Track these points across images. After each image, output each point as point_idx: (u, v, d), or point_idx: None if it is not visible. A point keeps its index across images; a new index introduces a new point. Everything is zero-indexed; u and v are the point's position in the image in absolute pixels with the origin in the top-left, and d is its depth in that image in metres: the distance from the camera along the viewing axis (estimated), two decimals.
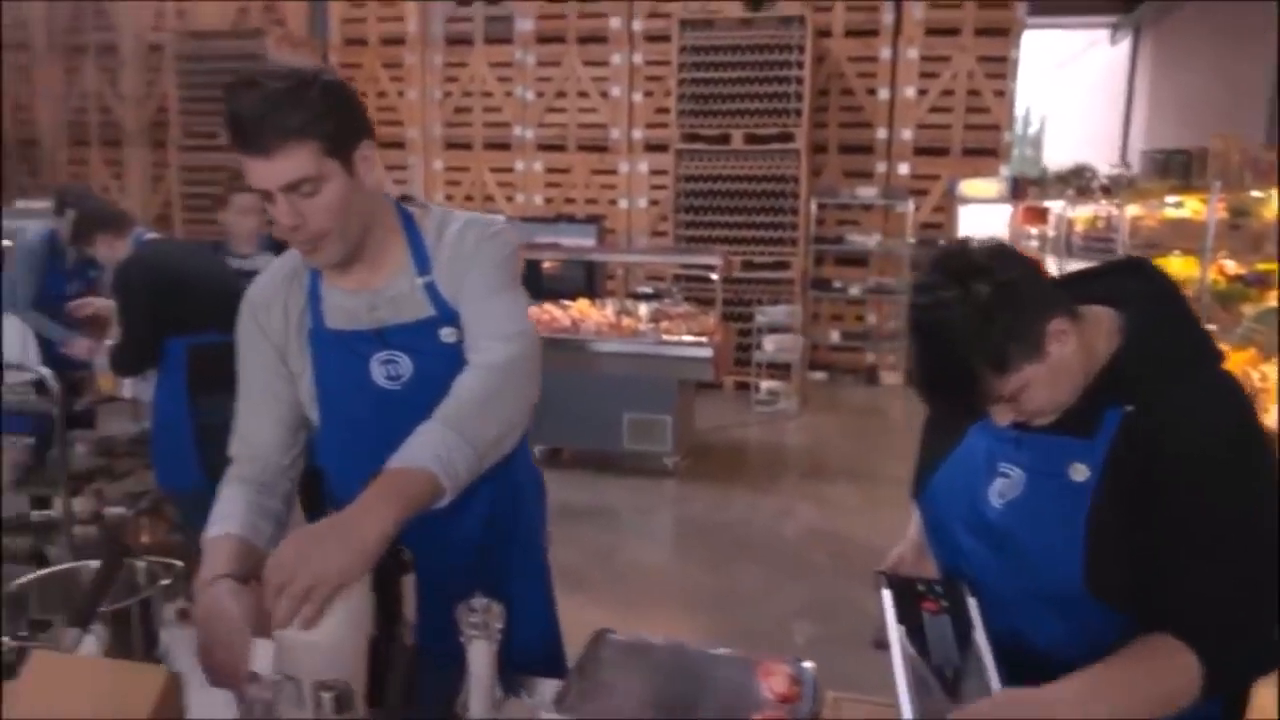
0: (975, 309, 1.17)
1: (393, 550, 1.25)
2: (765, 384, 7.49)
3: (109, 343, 3.66)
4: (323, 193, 1.27)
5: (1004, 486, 1.32)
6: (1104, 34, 11.75)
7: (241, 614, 1.21)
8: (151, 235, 3.57)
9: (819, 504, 5.15)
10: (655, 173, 8.67)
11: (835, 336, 8.59)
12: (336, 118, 1.27)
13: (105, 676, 0.93)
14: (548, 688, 1.39)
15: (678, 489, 5.38)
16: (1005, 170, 8.01)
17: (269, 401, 1.49)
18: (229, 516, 1.38)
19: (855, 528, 4.77)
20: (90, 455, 3.81)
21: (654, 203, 8.73)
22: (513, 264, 1.46)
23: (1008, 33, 7.89)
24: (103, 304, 3.66)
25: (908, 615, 1.29)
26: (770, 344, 7.37)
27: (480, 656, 1.17)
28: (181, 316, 3.31)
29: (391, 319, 1.41)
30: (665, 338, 5.25)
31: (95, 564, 1.46)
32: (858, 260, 8.56)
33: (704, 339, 5.20)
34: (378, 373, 1.42)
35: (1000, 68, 7.94)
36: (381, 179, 1.38)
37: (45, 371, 3.40)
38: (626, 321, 5.47)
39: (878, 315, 8.58)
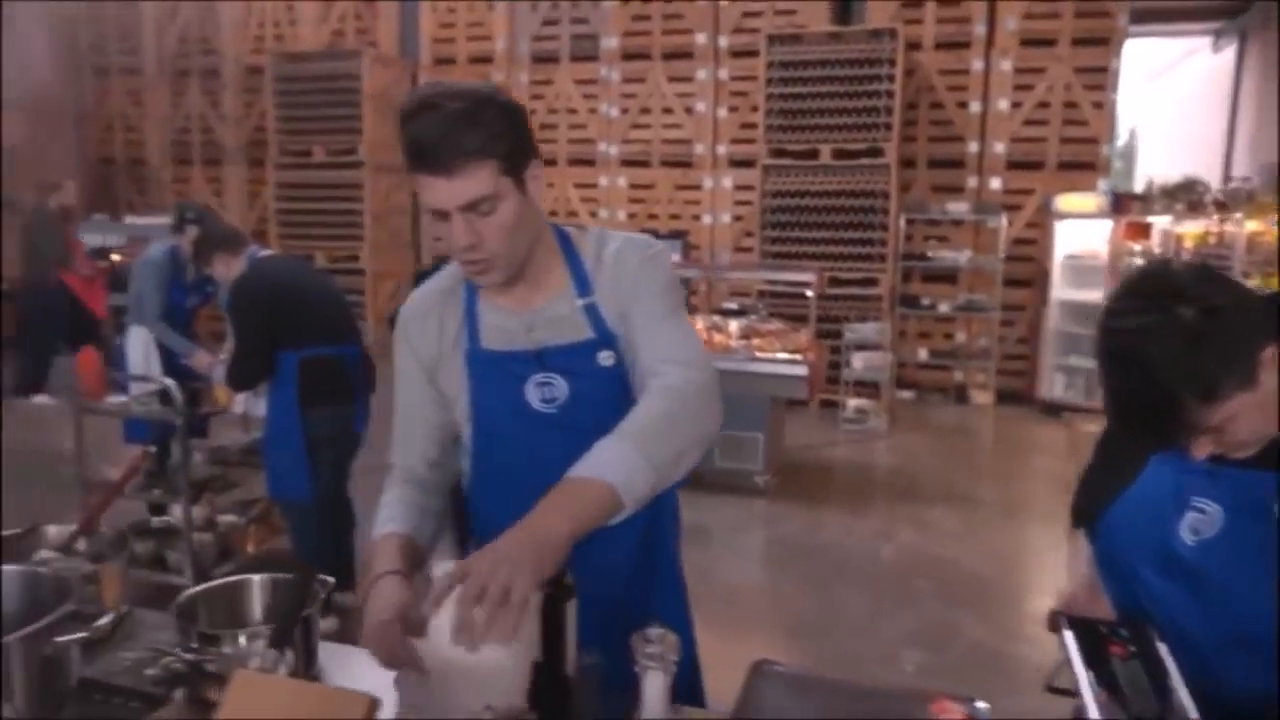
0: (1181, 335, 1.11)
1: (556, 574, 1.24)
2: (852, 402, 7.36)
3: (224, 357, 3.78)
4: (499, 211, 1.28)
5: (1198, 522, 1.25)
6: (1204, 41, 11.29)
7: (405, 605, 1.23)
8: (265, 252, 3.67)
9: (916, 527, 5.01)
10: (739, 188, 8.63)
11: (923, 354, 8.40)
12: (512, 137, 1.28)
13: (309, 699, 0.93)
14: (692, 716, 1.36)
15: (768, 508, 5.30)
16: (1103, 184, 7.74)
17: (417, 417, 1.51)
18: (393, 518, 1.40)
19: (956, 553, 4.63)
20: (205, 464, 3.94)
21: (738, 218, 8.69)
22: (676, 286, 1.45)
23: (1108, 42, 7.65)
24: None
25: (1094, 659, 1.22)
26: (859, 361, 7.24)
27: (655, 687, 1.15)
28: (292, 331, 3.40)
29: (550, 340, 1.40)
30: (758, 355, 5.19)
31: (259, 578, 1.49)
32: (947, 277, 8.36)
33: (798, 356, 5.12)
34: (533, 395, 1.41)
35: (1099, 78, 7.70)
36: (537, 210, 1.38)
37: (169, 382, 3.52)
38: (717, 338, 5.43)
39: (967, 333, 8.37)
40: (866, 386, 7.43)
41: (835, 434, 7.11)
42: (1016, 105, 7.95)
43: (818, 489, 5.74)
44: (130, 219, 9.68)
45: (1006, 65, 7.90)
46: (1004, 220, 7.97)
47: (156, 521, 3.90)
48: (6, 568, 1.26)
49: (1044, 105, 7.88)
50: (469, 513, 1.57)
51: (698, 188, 8.77)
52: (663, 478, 1.23)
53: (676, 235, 8.41)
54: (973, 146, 8.14)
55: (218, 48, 10.29)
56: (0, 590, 1.21)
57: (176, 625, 1.35)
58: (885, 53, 7.52)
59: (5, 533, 1.62)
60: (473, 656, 1.13)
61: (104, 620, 1.14)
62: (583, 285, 1.41)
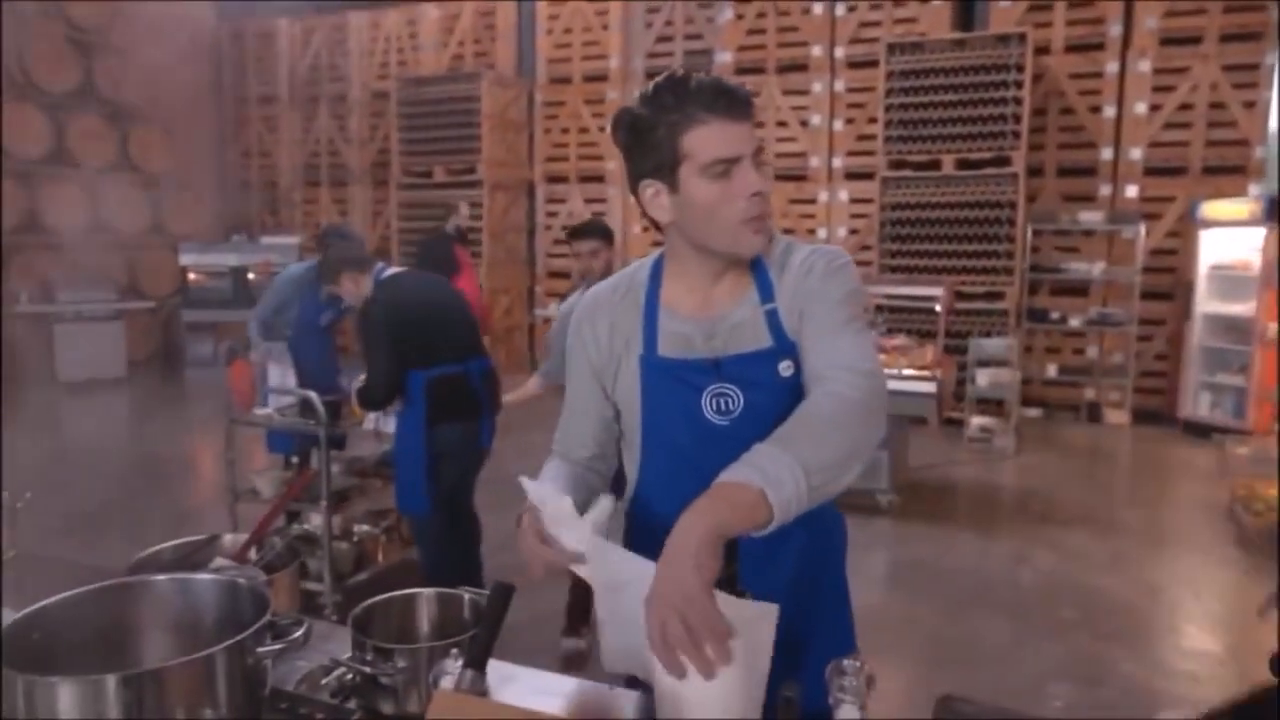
0: None
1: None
2: (977, 420, 7.08)
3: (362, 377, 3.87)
4: (763, 166, 1.33)
5: None
6: None
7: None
8: (391, 270, 3.68)
9: (1055, 552, 4.75)
10: (856, 201, 8.46)
11: (1052, 371, 8.02)
12: None
13: None
14: None
15: (894, 528, 5.13)
16: (1256, 189, 7.24)
17: (582, 410, 1.51)
18: (555, 478, 1.40)
19: (1101, 581, 4.37)
20: (343, 475, 4.06)
21: (854, 231, 8.51)
22: (859, 298, 1.39)
23: (1260, 37, 7.17)
24: None
25: None
26: (983, 378, 6.97)
27: None
28: (419, 351, 3.44)
29: (729, 349, 1.37)
30: (884, 371, 5.03)
31: (428, 592, 1.50)
32: (1077, 290, 7.98)
33: (926, 373, 4.95)
34: (708, 406, 1.37)
35: (1251, 76, 7.22)
36: None
37: (312, 395, 3.64)
38: None
39: (1100, 348, 7.95)
40: (991, 404, 7.14)
41: (959, 453, 6.85)
42: (1155, 108, 7.54)
43: (944, 510, 5.54)
44: (265, 239, 10.22)
45: (1145, 66, 7.51)
46: (1142, 229, 7.55)
47: (295, 529, 4.04)
48: (204, 577, 1.30)
49: (1187, 107, 7.45)
50: (631, 518, 1.53)
51: (813, 201, 8.64)
52: (818, 487, 1.14)
53: None
54: (1106, 153, 7.76)
55: (346, 74, 10.77)
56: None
57: (352, 638, 1.37)
58: (1012, 58, 7.25)
59: (188, 539, 1.70)
60: (702, 684, 1.10)
61: (298, 632, 1.16)
62: (766, 291, 1.38)
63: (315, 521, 3.93)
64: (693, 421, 1.37)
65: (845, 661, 1.11)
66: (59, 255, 9.45)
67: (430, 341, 3.47)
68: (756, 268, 1.39)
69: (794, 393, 1.35)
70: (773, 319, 1.36)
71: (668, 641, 1.02)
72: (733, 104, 1.27)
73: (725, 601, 1.07)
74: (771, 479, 1.11)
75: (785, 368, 1.35)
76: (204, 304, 9.76)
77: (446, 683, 1.03)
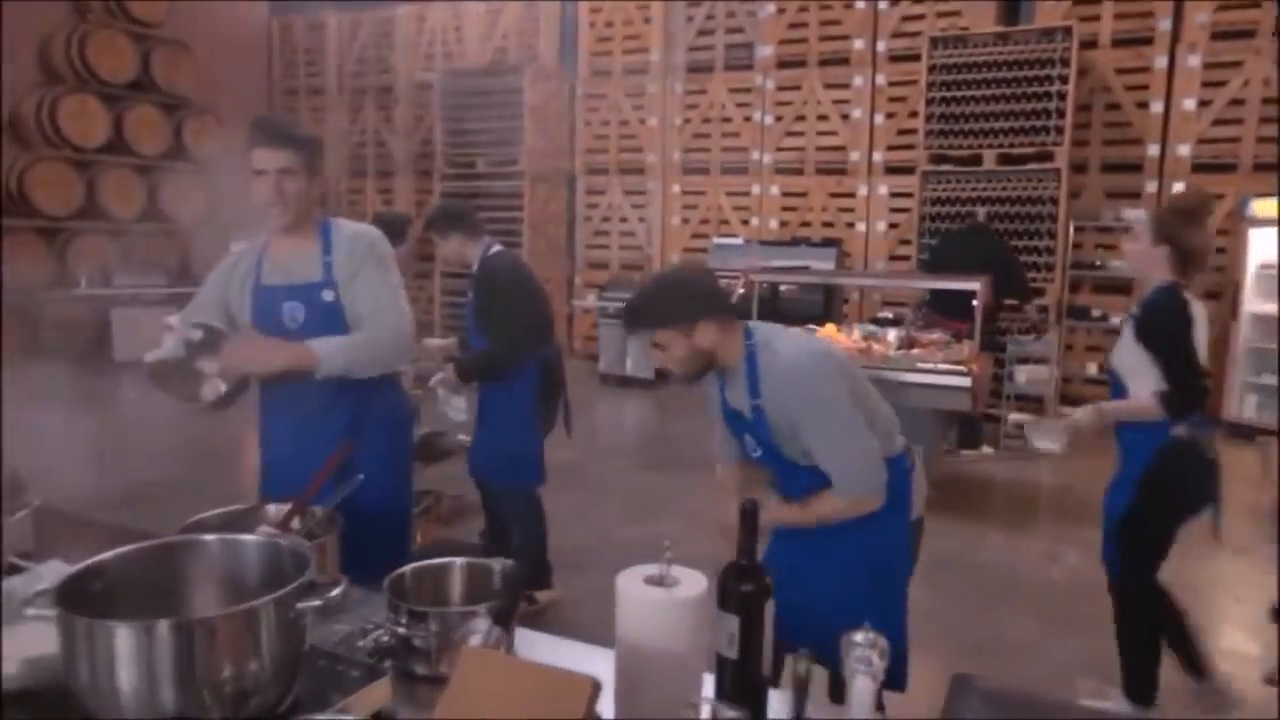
0: None
1: (756, 574, 1.25)
2: (1013, 416, 7.01)
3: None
4: (287, 184, 2.16)
5: None
6: None
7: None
8: (497, 248, 3.64)
9: (1086, 550, 4.71)
10: (895, 195, 8.42)
11: (1092, 369, 7.92)
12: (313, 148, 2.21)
13: (535, 678, 0.98)
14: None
15: (926, 522, 5.13)
16: None
17: (205, 306, 2.31)
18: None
19: None
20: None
21: (893, 226, 8.47)
22: (390, 264, 2.27)
23: None
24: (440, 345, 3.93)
25: None
26: (1022, 375, 6.91)
27: (862, 691, 1.13)
28: (541, 326, 3.61)
29: (297, 280, 2.21)
30: (919, 365, 5.03)
31: (460, 561, 1.58)
32: (1120, 287, 7.86)
33: (962, 368, 4.94)
34: (286, 316, 2.20)
35: None
36: (315, 198, 2.25)
37: None
38: (876, 348, 5.30)
39: None
40: (1029, 401, 7.08)
41: (995, 449, 6.80)
42: (1205, 104, 7.39)
43: (977, 506, 5.52)
44: None
45: (1194, 61, 7.36)
46: None
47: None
48: (249, 538, 1.39)
49: (1238, 103, 7.30)
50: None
51: (852, 195, 8.61)
52: (346, 369, 2.16)
53: (829, 243, 8.28)
54: (1153, 149, 7.63)
55: (392, 66, 10.94)
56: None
57: (388, 601, 1.45)
58: (1057, 52, 7.16)
59: (233, 508, 1.79)
60: (660, 655, 1.17)
61: (336, 591, 1.24)
62: (326, 250, 2.22)
63: None
64: (277, 326, 2.20)
65: (858, 634, 1.15)
66: (116, 240, 9.76)
67: (547, 319, 3.67)
68: (324, 233, 2.22)
69: (336, 314, 2.19)
70: (328, 268, 2.20)
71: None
72: (258, 135, 2.16)
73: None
74: (326, 352, 2.13)
75: (327, 294, 2.19)
76: None
77: (475, 640, 1.11)
